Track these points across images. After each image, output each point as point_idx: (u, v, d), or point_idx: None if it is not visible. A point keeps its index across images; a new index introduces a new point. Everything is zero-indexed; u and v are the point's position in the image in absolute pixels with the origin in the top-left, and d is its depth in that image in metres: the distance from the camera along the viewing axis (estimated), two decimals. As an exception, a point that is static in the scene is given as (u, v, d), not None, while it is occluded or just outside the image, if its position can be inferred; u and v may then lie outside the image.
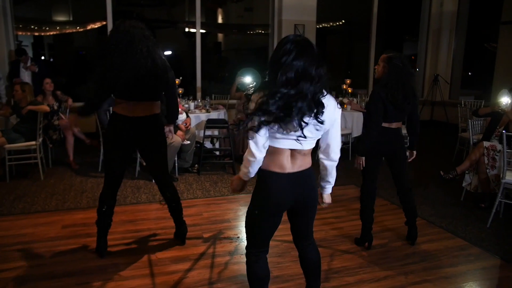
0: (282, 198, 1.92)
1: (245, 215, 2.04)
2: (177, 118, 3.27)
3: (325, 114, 1.80)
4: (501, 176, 3.66)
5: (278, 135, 1.83)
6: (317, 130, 1.85)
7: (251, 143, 1.81)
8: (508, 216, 3.93)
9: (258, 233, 2.02)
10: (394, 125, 3.07)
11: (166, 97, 3.01)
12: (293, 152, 1.88)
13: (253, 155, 1.82)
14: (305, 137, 1.81)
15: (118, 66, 2.66)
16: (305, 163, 1.93)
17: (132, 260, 2.95)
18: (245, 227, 2.07)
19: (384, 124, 3.03)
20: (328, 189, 2.11)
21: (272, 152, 1.87)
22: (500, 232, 3.57)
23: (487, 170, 3.99)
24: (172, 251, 3.11)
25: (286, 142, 1.85)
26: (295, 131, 1.79)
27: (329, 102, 1.84)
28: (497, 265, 3.03)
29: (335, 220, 3.57)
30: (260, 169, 1.92)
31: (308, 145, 1.89)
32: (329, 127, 1.90)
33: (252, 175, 1.94)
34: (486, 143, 4.08)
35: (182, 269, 2.84)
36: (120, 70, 2.66)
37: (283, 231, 3.39)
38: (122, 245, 3.19)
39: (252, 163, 1.86)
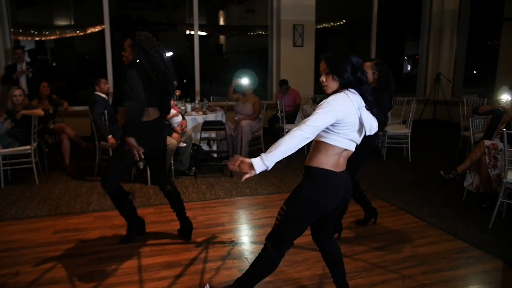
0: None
1: (289, 210, 2.07)
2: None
3: None
4: (502, 175, 3.55)
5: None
6: None
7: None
8: (511, 216, 3.81)
9: (304, 228, 2.14)
10: None
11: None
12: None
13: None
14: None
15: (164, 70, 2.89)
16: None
17: (121, 267, 2.87)
18: (290, 223, 2.10)
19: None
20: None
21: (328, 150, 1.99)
22: (503, 234, 3.45)
23: (489, 170, 3.88)
24: (163, 256, 3.03)
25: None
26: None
27: None
28: (499, 268, 2.92)
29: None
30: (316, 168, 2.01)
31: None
32: None
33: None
34: (487, 142, 3.97)
35: (171, 275, 2.76)
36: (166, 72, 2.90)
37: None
38: (112, 251, 3.11)
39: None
